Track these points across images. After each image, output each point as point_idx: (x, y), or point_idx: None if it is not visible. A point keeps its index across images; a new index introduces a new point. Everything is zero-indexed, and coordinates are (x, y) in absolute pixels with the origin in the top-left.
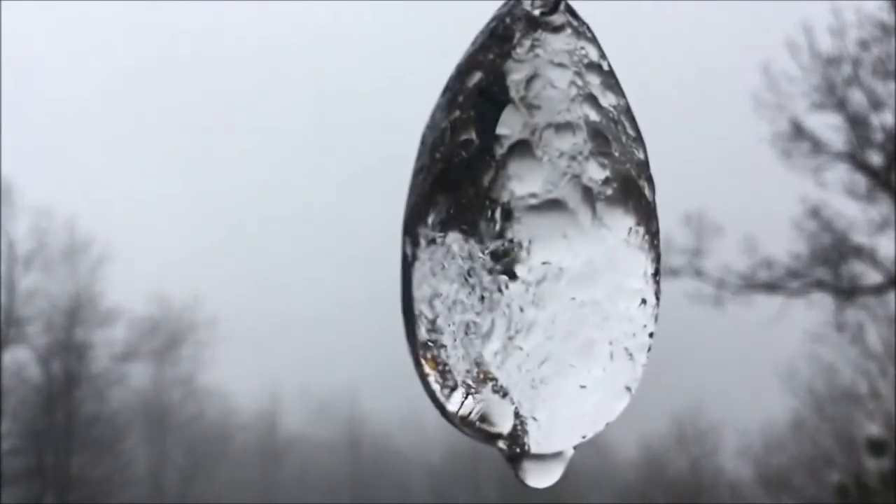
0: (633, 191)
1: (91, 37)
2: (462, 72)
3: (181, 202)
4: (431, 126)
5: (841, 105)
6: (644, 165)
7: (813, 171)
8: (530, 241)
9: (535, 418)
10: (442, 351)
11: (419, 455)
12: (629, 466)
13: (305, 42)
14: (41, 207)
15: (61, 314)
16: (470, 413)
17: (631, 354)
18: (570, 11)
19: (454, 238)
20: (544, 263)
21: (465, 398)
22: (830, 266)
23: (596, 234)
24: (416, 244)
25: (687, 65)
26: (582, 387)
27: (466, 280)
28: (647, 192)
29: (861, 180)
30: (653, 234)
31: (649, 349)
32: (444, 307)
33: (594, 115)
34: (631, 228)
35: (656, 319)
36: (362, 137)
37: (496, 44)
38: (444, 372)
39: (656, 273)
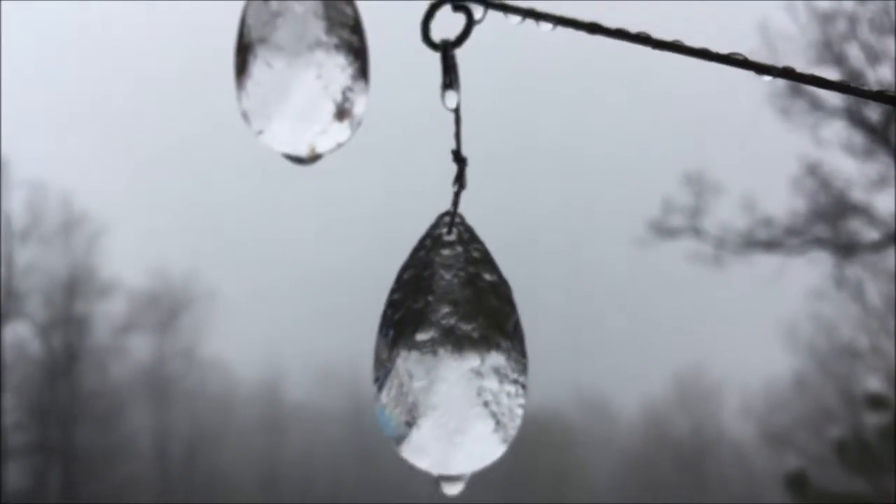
0: (502, 326)
1: (88, 13)
2: (404, 268)
3: (177, 173)
4: (387, 300)
5: (838, 61)
6: (512, 308)
7: (811, 128)
8: (433, 358)
9: (444, 457)
10: (389, 407)
11: None
12: (631, 428)
13: None
14: (36, 181)
15: (60, 288)
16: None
17: (505, 425)
18: (462, 233)
19: (400, 354)
20: (444, 371)
21: (404, 447)
22: (829, 223)
23: (469, 355)
24: (390, 353)
25: (684, 23)
26: (478, 439)
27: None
28: (510, 326)
29: (859, 137)
30: (519, 351)
31: (522, 416)
32: (394, 387)
33: (472, 290)
34: (501, 348)
35: (525, 399)
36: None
37: (421, 251)
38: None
39: (523, 371)
